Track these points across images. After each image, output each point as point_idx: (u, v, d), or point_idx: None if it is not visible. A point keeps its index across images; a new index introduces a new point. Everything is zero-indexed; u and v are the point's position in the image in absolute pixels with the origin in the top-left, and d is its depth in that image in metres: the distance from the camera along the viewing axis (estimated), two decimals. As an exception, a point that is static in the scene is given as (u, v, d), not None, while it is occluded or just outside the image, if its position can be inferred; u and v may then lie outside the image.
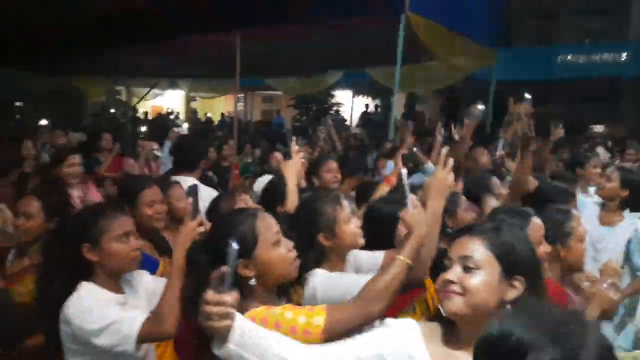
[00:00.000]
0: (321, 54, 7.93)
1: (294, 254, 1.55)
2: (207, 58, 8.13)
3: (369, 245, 1.99)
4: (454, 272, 1.25)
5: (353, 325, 1.34)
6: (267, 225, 1.52)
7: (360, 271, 1.92)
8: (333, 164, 3.60)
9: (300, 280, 1.71)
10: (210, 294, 1.13)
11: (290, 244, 1.55)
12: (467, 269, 1.24)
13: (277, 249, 1.51)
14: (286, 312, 1.39)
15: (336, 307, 1.43)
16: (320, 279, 1.77)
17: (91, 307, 1.70)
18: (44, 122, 7.99)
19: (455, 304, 1.22)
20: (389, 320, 1.29)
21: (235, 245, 1.17)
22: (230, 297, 1.14)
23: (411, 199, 1.64)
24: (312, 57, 8.14)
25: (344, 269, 1.93)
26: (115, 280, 1.87)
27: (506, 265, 1.24)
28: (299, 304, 1.74)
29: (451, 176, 1.75)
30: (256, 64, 7.71)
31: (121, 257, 1.82)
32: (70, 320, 1.69)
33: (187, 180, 3.13)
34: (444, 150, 1.81)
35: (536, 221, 2.03)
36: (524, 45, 13.64)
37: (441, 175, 1.73)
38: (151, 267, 2.15)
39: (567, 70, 11.68)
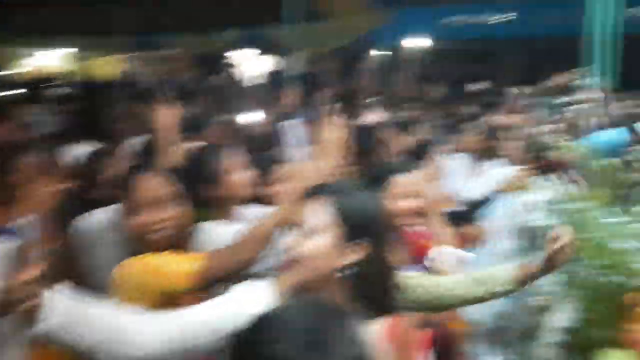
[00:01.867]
0: (210, 11, 7.64)
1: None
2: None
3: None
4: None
5: (228, 270, 1.35)
6: None
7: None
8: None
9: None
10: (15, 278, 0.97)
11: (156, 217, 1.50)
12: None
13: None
14: (168, 257, 1.42)
15: (215, 254, 1.45)
16: (205, 232, 1.78)
17: None
18: None
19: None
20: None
21: None
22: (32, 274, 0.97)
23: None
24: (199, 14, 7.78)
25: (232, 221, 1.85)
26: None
27: (346, 230, 1.11)
28: None
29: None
30: (145, 22, 7.31)
31: None
32: None
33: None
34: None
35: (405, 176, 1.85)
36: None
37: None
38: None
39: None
